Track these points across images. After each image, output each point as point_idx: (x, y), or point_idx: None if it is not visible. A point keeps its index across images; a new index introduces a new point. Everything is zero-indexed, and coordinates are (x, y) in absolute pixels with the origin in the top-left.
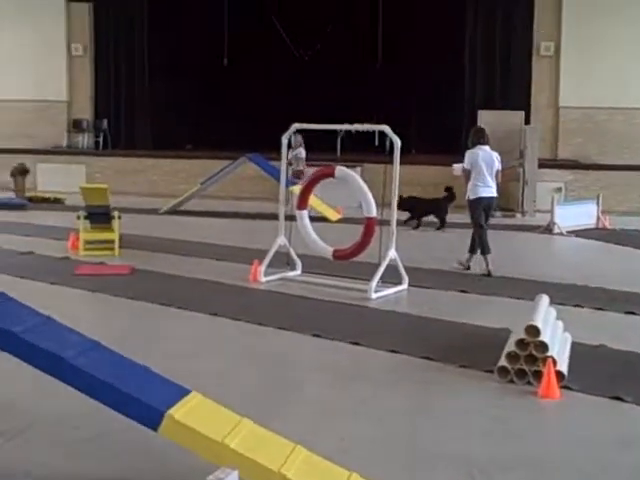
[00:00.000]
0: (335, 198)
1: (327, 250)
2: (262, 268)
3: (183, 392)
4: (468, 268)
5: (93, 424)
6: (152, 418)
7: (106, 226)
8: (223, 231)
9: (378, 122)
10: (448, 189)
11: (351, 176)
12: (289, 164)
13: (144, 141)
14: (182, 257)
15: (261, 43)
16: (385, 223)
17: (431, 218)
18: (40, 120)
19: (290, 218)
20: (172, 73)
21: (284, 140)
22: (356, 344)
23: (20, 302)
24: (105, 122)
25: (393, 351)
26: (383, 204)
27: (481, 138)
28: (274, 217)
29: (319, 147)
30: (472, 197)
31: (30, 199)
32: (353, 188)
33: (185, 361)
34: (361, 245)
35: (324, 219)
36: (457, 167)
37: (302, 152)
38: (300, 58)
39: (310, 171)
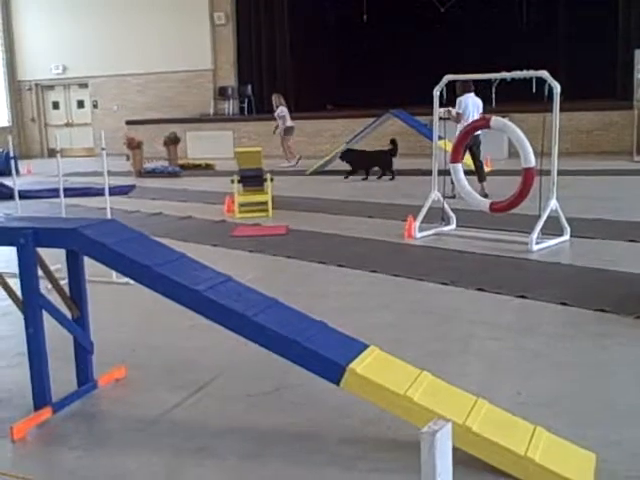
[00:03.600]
0: (483, 150)
1: (484, 203)
2: (417, 224)
3: (362, 346)
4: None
5: (272, 378)
6: (334, 372)
7: (259, 188)
8: (370, 189)
9: (521, 68)
10: (392, 141)
11: (508, 126)
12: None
13: (287, 103)
14: (334, 216)
15: None
16: (545, 173)
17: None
18: (188, 89)
19: (443, 172)
20: (311, 35)
21: (436, 93)
22: (523, 297)
23: (201, 263)
24: (249, 88)
25: (563, 304)
26: (542, 153)
27: (469, 87)
28: (420, 172)
29: None
30: None
31: (182, 166)
32: (511, 138)
33: (353, 316)
34: (520, 196)
35: (472, 172)
36: (440, 110)
37: (283, 110)
38: (438, 11)
39: None
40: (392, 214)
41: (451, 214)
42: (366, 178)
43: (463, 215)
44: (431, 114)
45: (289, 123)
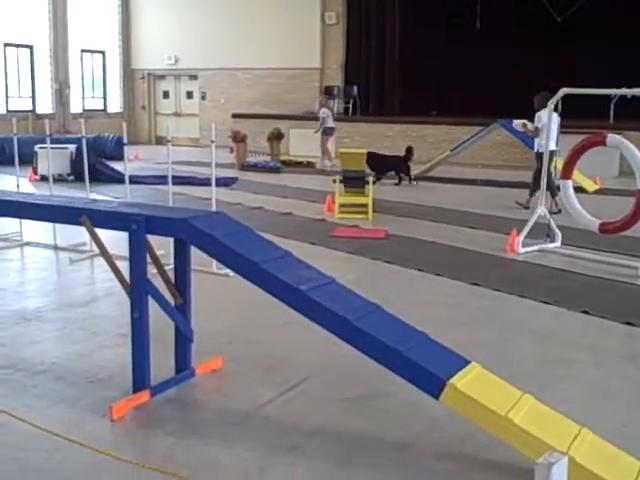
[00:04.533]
0: (592, 168)
1: (593, 222)
2: (520, 238)
3: (463, 362)
4: (527, 207)
5: (367, 384)
6: (434, 385)
7: (360, 190)
8: (474, 198)
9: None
10: (409, 149)
11: (625, 144)
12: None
13: (392, 107)
14: (434, 223)
15: (513, 4)
16: None
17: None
18: (295, 87)
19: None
20: (421, 39)
21: (550, 105)
22: (630, 324)
23: (306, 262)
24: (355, 88)
25: None
26: None
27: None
28: (524, 185)
29: (585, 114)
30: (541, 150)
31: (284, 162)
32: (628, 157)
33: (450, 329)
34: (633, 218)
35: (581, 189)
36: (517, 122)
37: (326, 111)
38: (554, 20)
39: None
40: (493, 226)
41: (556, 231)
42: (375, 182)
43: (569, 233)
44: None
45: (330, 124)
